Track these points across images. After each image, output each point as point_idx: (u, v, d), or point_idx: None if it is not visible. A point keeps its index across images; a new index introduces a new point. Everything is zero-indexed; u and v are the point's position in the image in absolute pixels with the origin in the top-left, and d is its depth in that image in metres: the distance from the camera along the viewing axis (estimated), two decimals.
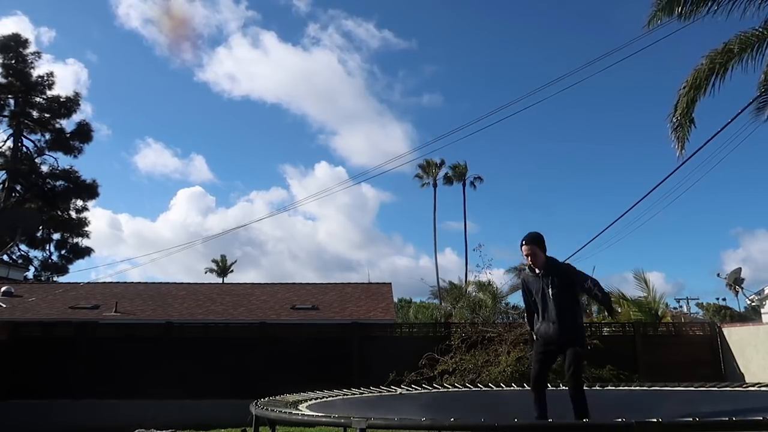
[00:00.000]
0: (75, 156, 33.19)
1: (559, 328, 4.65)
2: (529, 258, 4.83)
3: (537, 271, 4.84)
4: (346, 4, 77.52)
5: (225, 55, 73.06)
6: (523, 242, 4.84)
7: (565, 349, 4.68)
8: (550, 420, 4.18)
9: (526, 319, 5.29)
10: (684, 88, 12.64)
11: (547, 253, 4.86)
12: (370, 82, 77.13)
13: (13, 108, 32.19)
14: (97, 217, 57.41)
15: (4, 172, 31.54)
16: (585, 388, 4.95)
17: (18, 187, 32.11)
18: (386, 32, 77.39)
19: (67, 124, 33.36)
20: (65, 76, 64.15)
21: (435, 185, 47.72)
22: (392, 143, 72.57)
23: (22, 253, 31.94)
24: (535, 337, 5.02)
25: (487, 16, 73.21)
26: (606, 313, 4.85)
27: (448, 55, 76.29)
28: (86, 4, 69.44)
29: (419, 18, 76.24)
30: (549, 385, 4.99)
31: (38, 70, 32.79)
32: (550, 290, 4.73)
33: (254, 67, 72.92)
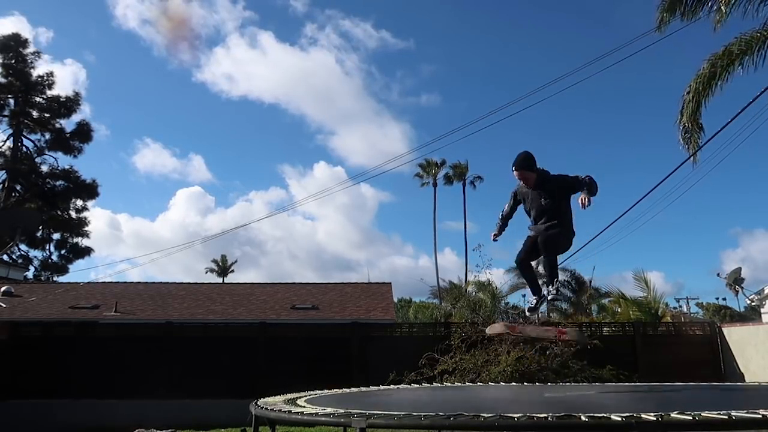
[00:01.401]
0: (75, 156, 33.26)
1: (545, 225, 5.22)
2: (522, 180, 5.35)
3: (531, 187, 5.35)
4: (343, 5, 77.63)
5: (223, 56, 73.09)
6: (514, 168, 5.33)
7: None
8: (549, 417, 4.17)
9: (499, 219, 5.84)
10: (688, 93, 12.68)
11: (539, 169, 5.33)
12: (368, 82, 77.22)
13: (13, 108, 32.20)
14: (96, 216, 57.37)
15: (4, 171, 31.58)
16: (585, 384, 5.06)
17: (18, 187, 32.12)
18: (384, 32, 77.52)
19: (67, 124, 33.45)
20: (64, 77, 64.15)
21: (435, 185, 47.74)
22: (390, 143, 72.65)
23: (22, 252, 31.99)
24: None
25: (485, 15, 73.27)
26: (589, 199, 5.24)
27: (446, 54, 76.38)
28: (84, 5, 69.47)
29: (417, 18, 76.30)
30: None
31: (38, 70, 32.86)
32: (542, 200, 5.22)
33: (252, 67, 72.99)
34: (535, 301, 5.59)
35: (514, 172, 5.30)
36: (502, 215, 5.78)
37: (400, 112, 77.99)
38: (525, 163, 5.27)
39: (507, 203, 5.75)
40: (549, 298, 5.47)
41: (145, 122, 74.01)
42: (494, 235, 5.84)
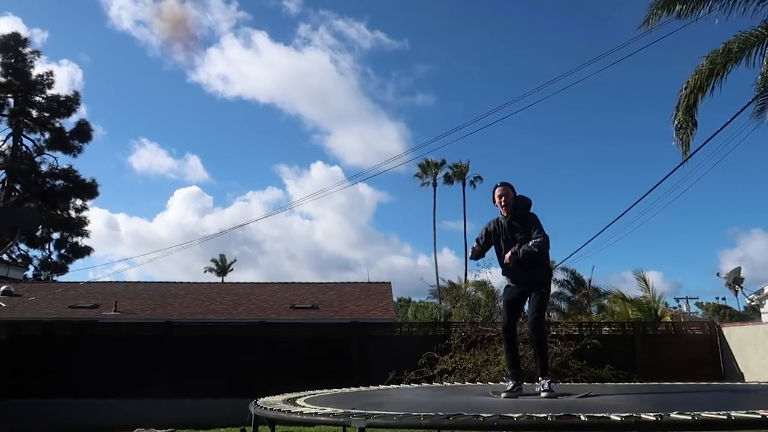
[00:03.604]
0: (74, 155, 33.18)
1: (527, 270, 4.87)
2: (502, 198, 5.00)
3: (506, 214, 5.02)
4: (336, 5, 77.33)
5: (217, 56, 72.91)
6: (498, 184, 5.08)
7: (531, 290, 4.91)
8: (548, 417, 4.18)
9: (471, 256, 5.35)
10: (685, 89, 12.67)
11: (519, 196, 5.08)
12: (363, 82, 77.15)
13: (12, 107, 32.15)
14: (94, 216, 57.21)
15: (3, 171, 31.52)
16: (584, 384, 4.99)
17: (17, 187, 32.08)
18: (378, 33, 77.42)
19: (66, 124, 33.40)
20: (60, 77, 63.76)
21: (435, 185, 47.70)
22: (386, 143, 72.58)
23: (22, 252, 31.96)
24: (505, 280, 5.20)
25: (480, 14, 73.19)
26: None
27: (441, 54, 76.25)
28: (78, 6, 69.29)
29: (411, 18, 76.23)
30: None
31: (37, 70, 32.80)
32: (519, 235, 4.90)
33: (247, 67, 72.82)
34: (512, 385, 4.89)
35: (498, 188, 5.05)
36: (472, 254, 5.27)
37: (395, 112, 78.00)
38: (509, 184, 5.09)
39: (477, 241, 5.27)
40: (542, 395, 4.64)
41: (141, 122, 73.78)
42: (474, 250, 5.23)
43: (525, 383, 5.30)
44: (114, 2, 72.39)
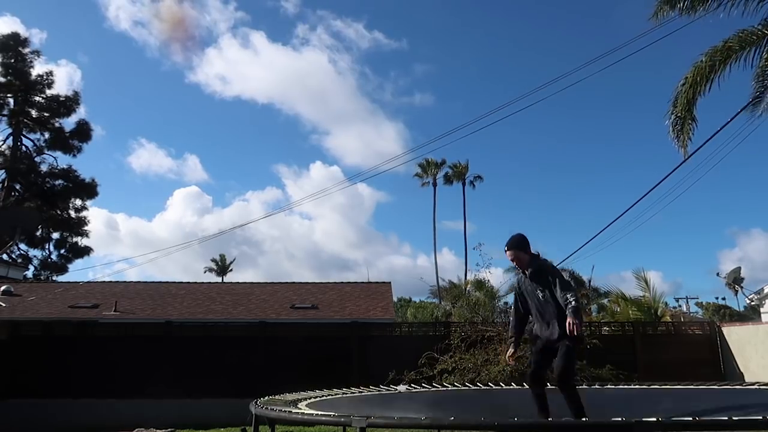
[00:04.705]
0: (74, 155, 33.17)
1: (554, 329, 4.68)
2: (514, 262, 4.98)
3: (524, 272, 4.95)
4: (334, 5, 77.42)
5: (215, 56, 72.98)
6: (506, 248, 4.99)
7: (557, 342, 4.69)
8: (548, 417, 4.18)
9: (511, 318, 5.25)
10: (683, 84, 12.62)
11: (534, 253, 4.94)
12: (361, 82, 77.32)
13: (12, 107, 32.14)
14: (93, 216, 57.17)
15: (3, 171, 31.52)
16: (585, 386, 4.96)
17: (17, 186, 32.08)
18: (376, 33, 77.57)
19: (66, 124, 33.38)
20: (59, 78, 63.63)
21: (435, 185, 47.65)
22: (385, 143, 72.74)
23: (22, 252, 31.95)
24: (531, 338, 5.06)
25: (478, 13, 73.26)
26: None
27: (440, 54, 76.35)
28: (76, 7, 69.36)
29: (410, 18, 76.29)
30: (548, 384, 4.98)
31: (37, 70, 32.78)
32: (539, 293, 4.80)
33: (245, 67, 72.91)
34: None
35: (507, 252, 4.96)
36: (514, 322, 5.15)
37: (394, 112, 78.18)
38: (517, 244, 4.96)
39: (513, 306, 5.21)
40: None
41: (139, 123, 73.94)
42: (510, 357, 5.19)
43: (525, 383, 5.21)
44: (112, 3, 72.63)
